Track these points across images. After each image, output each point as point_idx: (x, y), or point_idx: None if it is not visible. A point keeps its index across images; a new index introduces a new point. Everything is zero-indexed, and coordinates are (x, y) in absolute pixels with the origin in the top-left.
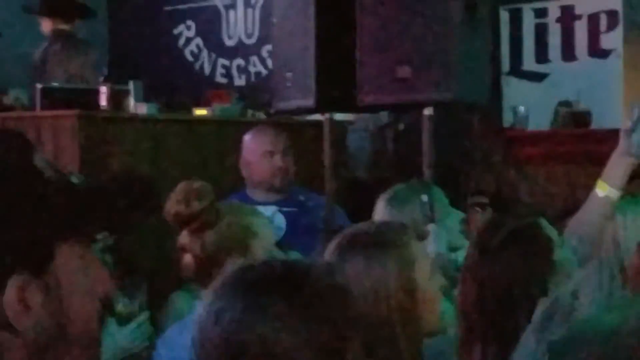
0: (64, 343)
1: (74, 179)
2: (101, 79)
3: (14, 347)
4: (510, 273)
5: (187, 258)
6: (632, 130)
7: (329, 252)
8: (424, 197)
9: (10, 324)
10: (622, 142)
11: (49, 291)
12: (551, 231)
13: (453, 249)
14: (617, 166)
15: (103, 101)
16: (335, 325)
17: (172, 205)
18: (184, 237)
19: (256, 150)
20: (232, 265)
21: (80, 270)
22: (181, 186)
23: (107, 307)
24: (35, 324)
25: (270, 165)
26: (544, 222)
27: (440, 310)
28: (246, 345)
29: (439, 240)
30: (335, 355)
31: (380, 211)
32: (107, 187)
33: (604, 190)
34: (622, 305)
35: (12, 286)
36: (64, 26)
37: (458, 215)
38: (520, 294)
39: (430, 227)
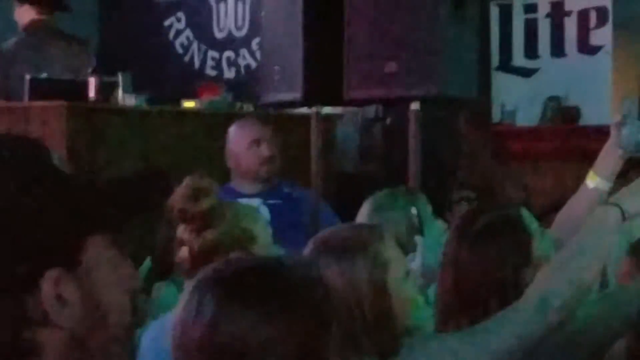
0: (102, 336)
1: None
2: (90, 70)
3: (55, 343)
4: (485, 262)
5: (184, 252)
6: (622, 124)
7: (306, 250)
8: (413, 209)
9: (48, 320)
10: (613, 135)
11: (82, 285)
12: (531, 223)
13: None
14: (608, 158)
15: (91, 92)
16: (312, 317)
17: (179, 200)
18: (183, 232)
19: (242, 140)
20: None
21: (110, 264)
22: (188, 182)
23: (135, 302)
24: (74, 317)
25: (257, 155)
26: (524, 214)
27: (415, 311)
28: (223, 342)
29: (427, 252)
30: (315, 347)
31: (364, 217)
32: (127, 181)
33: (594, 180)
34: (597, 300)
35: (48, 281)
36: (43, 16)
37: (441, 226)
38: (493, 283)
39: (418, 239)
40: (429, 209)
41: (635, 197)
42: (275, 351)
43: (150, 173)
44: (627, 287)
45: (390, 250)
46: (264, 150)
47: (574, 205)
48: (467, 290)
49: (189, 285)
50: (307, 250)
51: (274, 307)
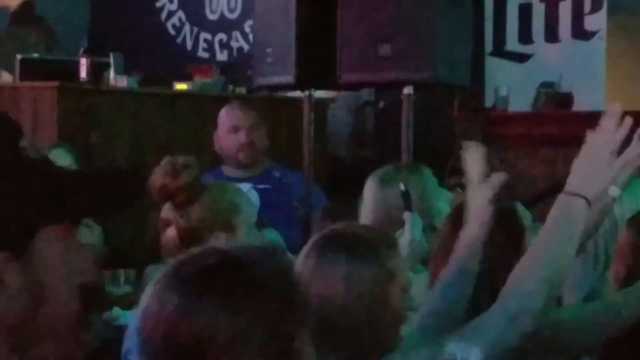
0: (39, 325)
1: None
2: (81, 50)
3: None
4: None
5: (171, 232)
6: None
7: (311, 242)
8: (402, 186)
9: None
10: (635, 143)
11: (27, 272)
12: (525, 217)
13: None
14: (627, 168)
15: (83, 73)
16: (280, 307)
17: (158, 178)
18: (167, 211)
19: (224, 126)
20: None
21: (62, 255)
22: (167, 159)
23: (93, 294)
24: (9, 302)
25: (236, 141)
26: (519, 208)
27: (401, 329)
28: (187, 337)
29: (415, 228)
30: (284, 337)
31: (370, 190)
32: (94, 174)
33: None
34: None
35: None
36: None
37: (448, 196)
38: (484, 275)
39: (406, 215)
40: (434, 180)
41: (592, 181)
42: (240, 344)
43: (124, 173)
44: (622, 293)
45: (398, 260)
46: (242, 137)
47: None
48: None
49: (152, 283)
50: (315, 239)
51: (238, 300)
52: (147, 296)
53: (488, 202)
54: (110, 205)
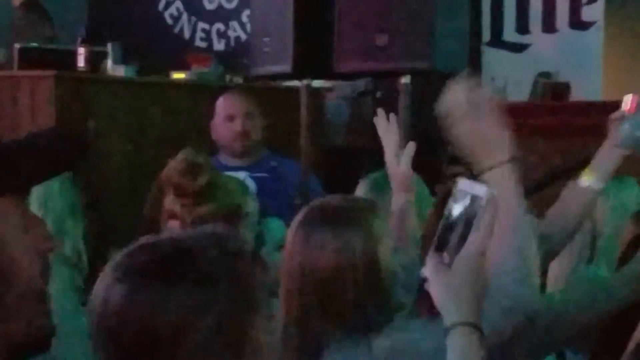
0: (10, 297)
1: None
2: (79, 39)
3: None
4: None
5: (174, 224)
6: (621, 120)
7: (296, 221)
8: None
9: None
10: (612, 132)
11: None
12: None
13: None
14: (606, 157)
15: (81, 62)
16: (229, 296)
17: (175, 175)
18: (173, 203)
19: (220, 114)
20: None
21: (19, 226)
22: (184, 157)
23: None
24: None
25: (231, 130)
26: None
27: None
28: (135, 327)
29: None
30: (235, 326)
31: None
32: (35, 141)
33: (588, 179)
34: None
35: None
36: None
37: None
38: None
39: None
40: (425, 189)
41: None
42: (189, 333)
43: (62, 134)
44: (621, 271)
45: (382, 224)
46: (237, 125)
47: (567, 203)
48: None
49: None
50: (299, 217)
51: (186, 288)
52: (96, 288)
53: (407, 169)
54: (51, 168)
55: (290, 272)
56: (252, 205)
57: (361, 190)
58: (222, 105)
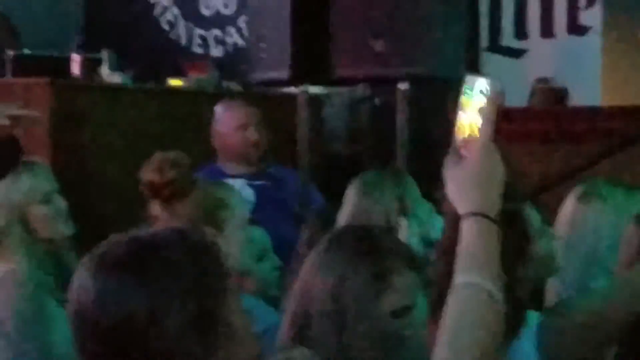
0: None
1: None
2: (74, 46)
3: None
4: None
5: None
6: None
7: (332, 245)
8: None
9: None
10: None
11: None
12: (534, 221)
13: (427, 242)
14: None
15: (75, 70)
16: (195, 283)
17: (147, 174)
18: (155, 207)
19: (229, 123)
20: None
21: None
22: (156, 156)
23: None
24: None
25: (244, 139)
26: (527, 210)
27: None
28: (109, 321)
29: (410, 233)
30: (206, 309)
31: (352, 199)
32: None
33: None
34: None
35: None
36: None
37: (429, 207)
38: None
39: (401, 220)
40: (416, 190)
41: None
42: (161, 320)
43: None
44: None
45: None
46: (251, 134)
47: None
48: None
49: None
50: (334, 240)
51: (153, 279)
52: (72, 283)
53: None
54: None
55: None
56: (240, 204)
57: (352, 190)
58: (234, 113)
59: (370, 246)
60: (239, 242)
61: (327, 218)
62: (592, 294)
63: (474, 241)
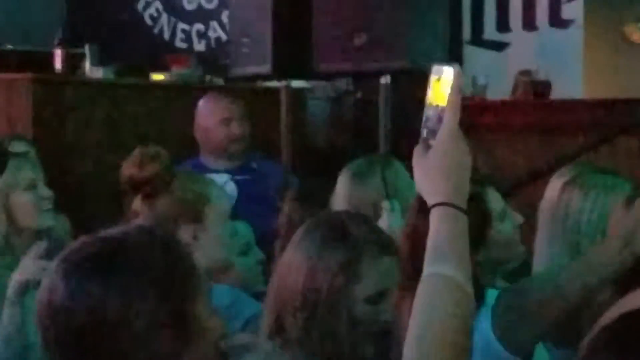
0: None
1: None
2: (57, 41)
3: None
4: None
5: (138, 222)
6: None
7: (306, 235)
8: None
9: None
10: None
11: None
12: (496, 203)
13: None
14: None
15: (58, 64)
16: (164, 281)
17: (127, 168)
18: (136, 202)
19: (212, 117)
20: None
21: None
22: (137, 151)
23: None
24: None
25: (227, 133)
26: (489, 193)
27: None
28: (81, 321)
29: (393, 216)
30: (176, 307)
31: (343, 186)
32: None
33: None
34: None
35: None
36: None
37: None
38: None
39: (384, 203)
40: (405, 174)
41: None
42: (132, 318)
43: None
44: (603, 247)
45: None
46: (234, 128)
47: None
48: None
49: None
50: (307, 230)
51: (122, 278)
52: (42, 285)
53: None
54: None
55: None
56: (220, 197)
57: (342, 180)
58: (216, 107)
59: (341, 234)
60: (220, 236)
61: (305, 198)
62: (548, 271)
63: (443, 232)
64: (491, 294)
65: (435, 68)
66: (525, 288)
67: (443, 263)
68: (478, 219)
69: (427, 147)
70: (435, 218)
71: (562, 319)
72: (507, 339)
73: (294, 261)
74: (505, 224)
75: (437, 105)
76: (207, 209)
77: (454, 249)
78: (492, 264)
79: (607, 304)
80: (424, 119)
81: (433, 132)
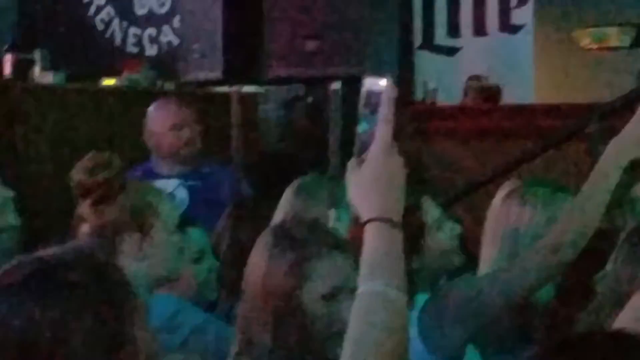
0: None
1: None
2: (6, 46)
3: None
4: None
5: (84, 228)
6: None
7: (257, 246)
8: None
9: None
10: None
11: None
12: (432, 213)
13: None
14: None
15: (7, 70)
16: (97, 302)
17: (76, 174)
18: (84, 207)
19: (163, 122)
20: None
21: None
22: (88, 156)
23: None
24: None
25: (178, 138)
26: (424, 203)
27: None
28: (15, 343)
29: (340, 226)
30: (109, 327)
31: (288, 203)
32: None
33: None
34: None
35: None
36: None
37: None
38: None
39: (331, 212)
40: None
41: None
42: (65, 339)
43: None
44: (529, 255)
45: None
46: (185, 133)
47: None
48: None
49: None
50: (258, 242)
51: (55, 300)
52: None
53: None
54: None
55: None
56: (169, 209)
57: (287, 195)
58: (167, 112)
59: (288, 238)
60: (166, 246)
61: (251, 207)
62: (471, 278)
63: (377, 248)
64: (421, 299)
65: (367, 80)
66: (449, 293)
67: (377, 280)
68: (413, 229)
69: (361, 161)
70: (369, 234)
71: (486, 323)
72: (431, 342)
73: (250, 274)
74: (442, 233)
75: (371, 118)
76: (153, 219)
77: (387, 265)
78: (429, 272)
79: (548, 309)
80: (357, 132)
81: (366, 146)
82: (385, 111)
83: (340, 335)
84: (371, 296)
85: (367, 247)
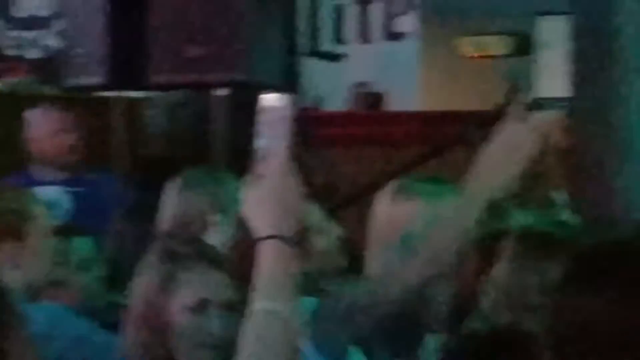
0: None
1: None
2: None
3: None
4: None
5: None
6: None
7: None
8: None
9: None
10: None
11: None
12: (313, 217)
13: None
14: None
15: None
16: None
17: None
18: None
19: (44, 128)
20: None
21: None
22: None
23: None
24: None
25: (59, 144)
26: (305, 208)
27: None
28: None
29: (223, 230)
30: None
31: (172, 198)
32: None
33: None
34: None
35: None
36: None
37: None
38: None
39: (214, 217)
40: (236, 187)
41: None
42: None
43: None
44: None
45: None
46: (68, 138)
47: None
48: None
49: None
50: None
51: None
52: None
53: None
54: None
55: None
56: (44, 215)
57: (173, 188)
58: (49, 117)
59: (159, 251)
60: (42, 254)
61: (134, 214)
62: (359, 281)
63: (272, 266)
64: (307, 302)
65: (265, 97)
66: (339, 294)
67: (272, 299)
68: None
69: (258, 177)
70: (264, 252)
71: (372, 326)
72: (320, 344)
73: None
74: (323, 236)
75: (268, 135)
76: (28, 226)
77: (282, 284)
78: (313, 275)
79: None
80: (254, 148)
81: (263, 163)
82: (282, 129)
83: (207, 347)
84: (266, 314)
85: (262, 265)
